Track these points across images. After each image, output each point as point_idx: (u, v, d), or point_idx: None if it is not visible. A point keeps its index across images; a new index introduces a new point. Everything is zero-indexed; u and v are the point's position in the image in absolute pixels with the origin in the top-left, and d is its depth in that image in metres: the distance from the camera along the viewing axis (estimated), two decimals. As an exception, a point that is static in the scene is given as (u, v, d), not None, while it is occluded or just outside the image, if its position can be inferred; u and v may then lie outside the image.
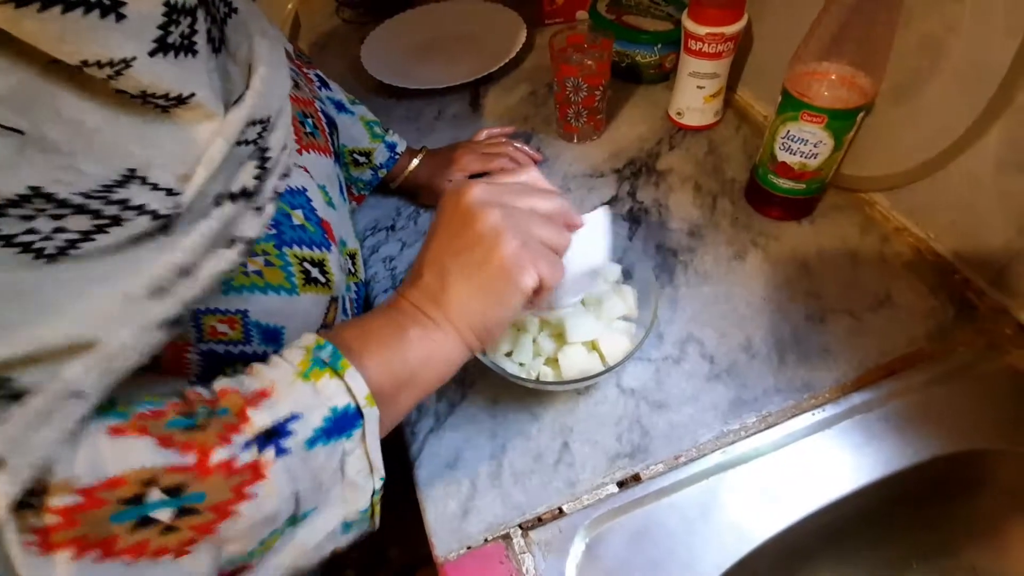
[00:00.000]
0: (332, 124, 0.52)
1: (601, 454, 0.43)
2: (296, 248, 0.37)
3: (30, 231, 0.22)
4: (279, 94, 0.34)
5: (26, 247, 0.22)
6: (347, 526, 0.29)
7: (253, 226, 0.31)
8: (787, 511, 0.39)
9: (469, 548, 0.39)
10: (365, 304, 0.54)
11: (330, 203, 0.44)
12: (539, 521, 0.40)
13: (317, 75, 0.56)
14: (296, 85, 0.44)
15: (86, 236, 0.24)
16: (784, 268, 0.52)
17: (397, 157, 0.61)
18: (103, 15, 0.22)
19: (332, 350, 0.28)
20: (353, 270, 0.50)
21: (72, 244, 0.23)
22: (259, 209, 0.32)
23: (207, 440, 0.24)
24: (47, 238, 0.22)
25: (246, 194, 0.31)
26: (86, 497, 0.21)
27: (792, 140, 0.49)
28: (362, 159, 0.60)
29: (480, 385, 0.47)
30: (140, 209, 0.25)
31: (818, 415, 0.43)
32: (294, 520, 0.27)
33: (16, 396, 0.21)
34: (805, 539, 0.40)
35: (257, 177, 0.31)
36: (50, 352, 0.22)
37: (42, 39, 0.21)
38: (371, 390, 0.28)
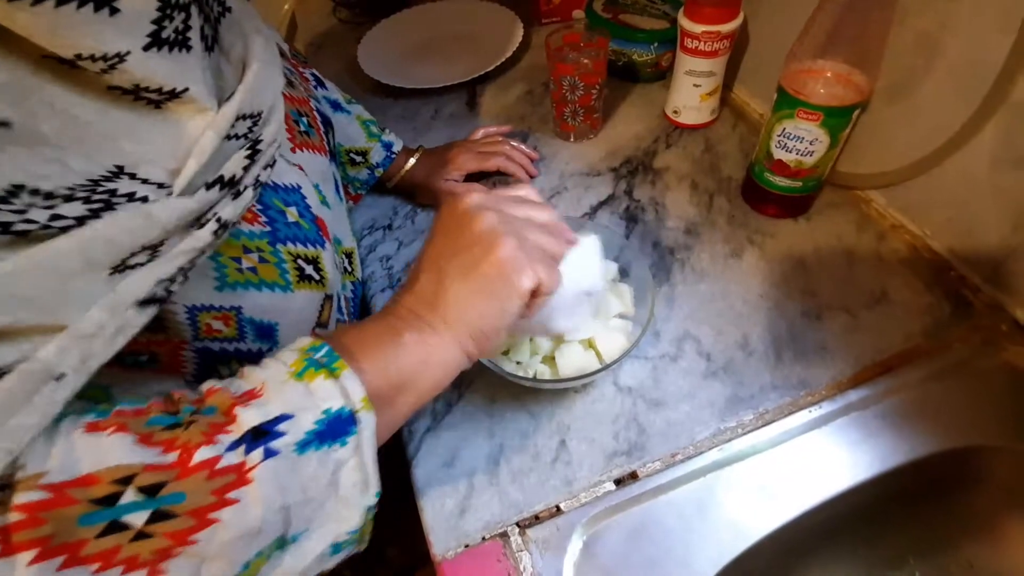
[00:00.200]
0: (327, 123, 0.52)
1: (598, 452, 0.43)
2: (290, 245, 0.37)
3: (27, 220, 0.22)
4: (272, 89, 0.34)
5: (22, 235, 0.22)
6: (336, 547, 0.28)
7: (230, 210, 0.30)
8: (784, 508, 0.39)
9: (467, 546, 0.39)
10: (362, 303, 0.54)
11: (324, 202, 0.44)
12: (537, 519, 0.40)
13: (313, 74, 0.56)
14: (291, 83, 0.44)
15: (81, 221, 0.23)
16: (780, 265, 0.52)
17: (394, 156, 0.61)
18: (96, 9, 0.22)
19: (328, 351, 0.27)
20: (350, 269, 0.50)
21: (67, 229, 0.23)
22: (238, 194, 0.31)
23: (190, 438, 0.23)
24: (45, 227, 0.22)
25: (232, 182, 0.30)
26: (55, 494, 0.20)
27: (788, 138, 0.49)
28: (359, 158, 0.59)
29: (477, 384, 0.47)
30: (130, 196, 0.25)
31: (815, 412, 0.43)
32: (282, 543, 0.25)
33: None
34: (802, 536, 0.40)
35: (245, 168, 0.31)
36: (21, 328, 0.21)
37: (36, 32, 0.21)
38: (368, 393, 0.27)
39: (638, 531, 0.39)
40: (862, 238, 0.53)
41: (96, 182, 0.24)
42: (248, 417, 0.24)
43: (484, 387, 0.47)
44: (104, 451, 0.21)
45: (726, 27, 0.57)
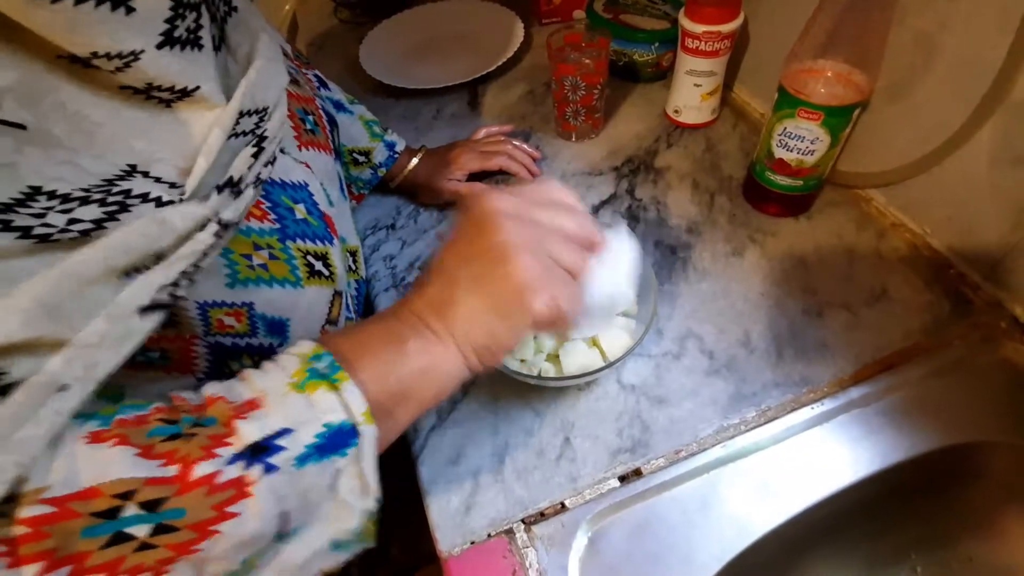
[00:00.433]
0: (332, 122, 0.52)
1: (602, 449, 0.43)
2: (299, 242, 0.38)
3: (45, 224, 0.22)
4: (276, 86, 0.34)
5: (43, 239, 0.22)
6: (337, 544, 0.27)
7: (231, 211, 0.30)
8: (786, 504, 0.40)
9: (472, 543, 0.39)
10: (366, 302, 0.55)
11: (329, 200, 0.44)
12: (542, 516, 0.40)
13: (316, 75, 0.56)
14: (296, 82, 0.45)
15: (99, 224, 0.23)
16: (781, 264, 0.53)
17: (396, 156, 0.61)
18: (113, 8, 0.23)
19: (330, 362, 0.26)
20: (354, 267, 0.50)
21: (87, 233, 0.23)
22: (239, 193, 0.31)
23: (190, 452, 0.23)
24: (64, 231, 0.23)
25: (238, 181, 0.30)
26: (58, 508, 0.20)
27: (789, 137, 0.49)
28: (361, 158, 0.60)
29: (482, 382, 0.47)
30: (144, 197, 0.25)
31: (817, 409, 0.43)
32: (280, 537, 0.25)
33: (4, 390, 0.20)
34: (804, 532, 0.41)
35: (250, 167, 0.31)
36: (32, 342, 0.21)
37: (53, 30, 0.21)
38: (369, 406, 0.26)
39: (642, 527, 0.40)
40: (862, 236, 0.53)
41: (111, 182, 0.24)
42: (248, 431, 0.24)
43: (488, 385, 0.47)
44: (105, 464, 0.21)
45: (727, 27, 0.57)
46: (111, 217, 0.24)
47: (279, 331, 0.37)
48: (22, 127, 0.22)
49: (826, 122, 0.47)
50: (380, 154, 0.60)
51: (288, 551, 0.26)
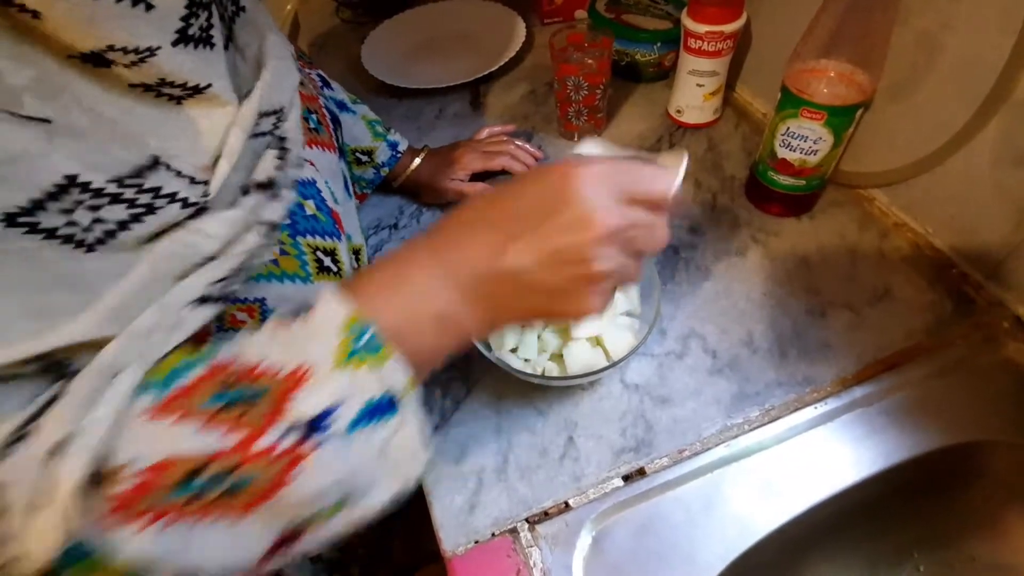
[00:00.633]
0: (336, 121, 0.52)
1: (606, 449, 0.43)
2: (309, 238, 0.38)
3: (70, 223, 0.23)
4: (289, 86, 0.35)
5: (67, 239, 0.23)
6: (388, 503, 0.28)
7: (274, 211, 0.32)
8: (789, 504, 0.40)
9: (476, 542, 0.39)
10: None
11: (335, 198, 0.44)
12: (545, 515, 0.40)
13: (319, 75, 0.56)
14: (300, 82, 0.45)
15: (123, 226, 0.24)
16: (784, 264, 0.53)
17: (399, 156, 0.61)
18: (134, 3, 0.23)
19: (371, 336, 0.25)
20: (357, 266, 0.50)
21: (111, 234, 0.24)
22: (277, 196, 0.33)
23: (250, 424, 0.24)
24: (87, 229, 0.23)
25: (270, 183, 0.32)
26: (137, 482, 0.22)
27: (792, 137, 0.50)
28: (364, 158, 0.60)
29: (485, 381, 0.47)
30: (172, 197, 0.26)
31: (820, 408, 0.43)
32: (340, 505, 0.26)
33: (67, 378, 0.22)
34: (807, 531, 0.41)
35: (278, 168, 0.32)
36: (99, 341, 0.23)
37: (72, 22, 0.22)
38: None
39: (646, 527, 0.40)
40: (865, 236, 0.54)
41: (140, 172, 0.25)
42: (299, 407, 0.24)
43: (492, 384, 0.47)
44: (172, 440, 0.23)
45: (729, 27, 0.57)
46: (136, 219, 0.24)
47: None
48: (47, 121, 0.22)
49: (829, 122, 0.47)
50: (383, 154, 0.60)
51: (346, 512, 0.27)
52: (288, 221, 0.36)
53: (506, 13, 0.84)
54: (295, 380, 0.24)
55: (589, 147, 0.35)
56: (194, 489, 0.23)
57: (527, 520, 0.40)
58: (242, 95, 0.31)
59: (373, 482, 0.27)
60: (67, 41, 0.22)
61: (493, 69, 0.76)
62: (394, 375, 0.26)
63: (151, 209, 0.25)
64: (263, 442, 0.23)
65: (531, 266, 0.26)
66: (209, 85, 0.28)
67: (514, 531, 0.40)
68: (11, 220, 0.21)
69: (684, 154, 0.32)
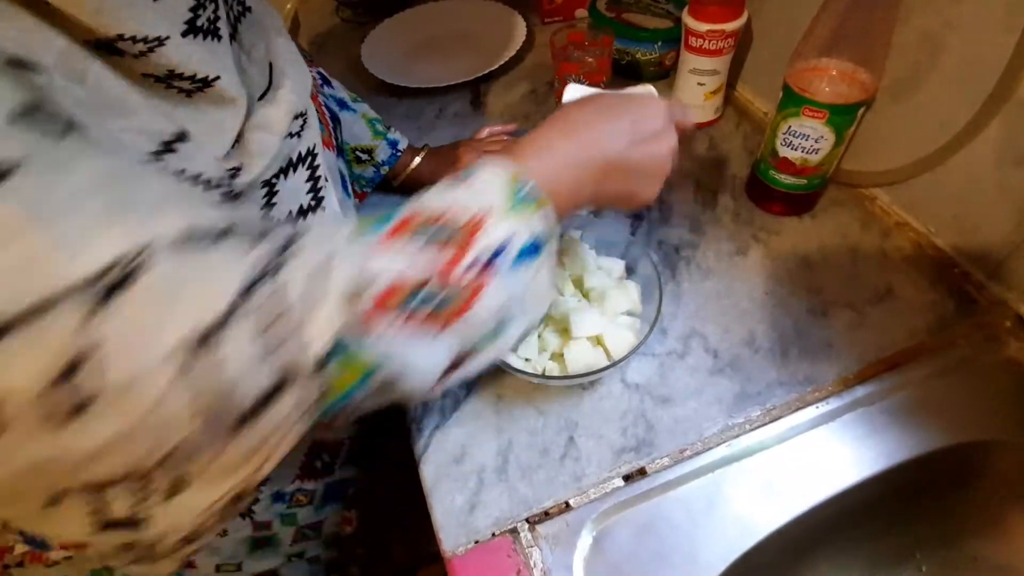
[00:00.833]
0: (335, 119, 0.52)
1: (607, 448, 0.43)
2: None
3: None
4: (306, 89, 0.35)
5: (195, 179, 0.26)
6: (526, 334, 0.34)
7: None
8: (791, 504, 0.40)
9: (476, 542, 0.39)
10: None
11: None
12: (546, 515, 0.40)
13: (319, 73, 0.56)
14: None
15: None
16: (786, 263, 0.52)
17: (399, 154, 0.61)
18: None
19: (531, 188, 0.32)
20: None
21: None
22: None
23: (448, 254, 0.28)
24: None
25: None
26: (381, 294, 0.26)
27: (793, 135, 0.49)
28: (364, 156, 0.60)
29: (485, 381, 0.47)
30: (196, 179, 0.27)
31: (821, 408, 0.43)
32: (495, 332, 0.31)
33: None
34: (809, 531, 0.41)
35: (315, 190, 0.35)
36: None
37: (82, 9, 0.22)
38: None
39: (647, 527, 0.40)
40: (866, 235, 0.53)
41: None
42: (483, 242, 0.29)
43: (492, 384, 0.47)
44: (399, 263, 0.27)
45: (730, 25, 0.57)
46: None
47: None
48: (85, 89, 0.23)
49: (831, 120, 0.47)
50: (383, 152, 0.60)
51: (505, 337, 0.32)
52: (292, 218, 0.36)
53: (506, 12, 0.84)
54: (477, 221, 0.29)
55: (575, 91, 0.45)
56: (415, 305, 0.27)
57: (527, 520, 0.40)
58: (252, 95, 0.31)
59: (515, 316, 0.32)
60: (85, 25, 0.23)
61: (494, 68, 0.76)
62: (545, 222, 0.32)
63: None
64: (460, 268, 0.28)
65: (636, 158, 0.36)
66: (217, 78, 0.28)
67: (514, 531, 0.40)
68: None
69: (650, 87, 0.44)
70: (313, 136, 0.38)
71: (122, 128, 0.24)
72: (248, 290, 0.23)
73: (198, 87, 0.27)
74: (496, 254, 0.29)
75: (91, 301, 0.20)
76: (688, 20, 0.59)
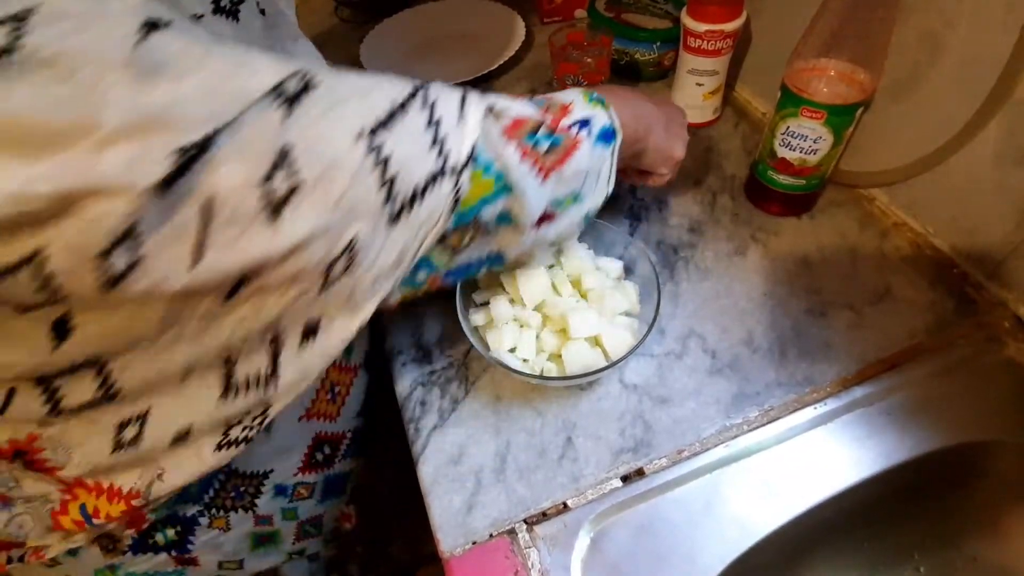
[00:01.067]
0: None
1: (605, 449, 0.43)
2: None
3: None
4: None
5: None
6: (586, 218, 0.39)
7: None
8: (789, 504, 0.40)
9: (474, 543, 0.39)
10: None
11: None
12: (544, 516, 0.40)
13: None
14: None
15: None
16: (784, 263, 0.52)
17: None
18: None
19: (599, 96, 0.38)
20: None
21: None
22: None
23: (554, 112, 0.35)
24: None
25: None
26: (510, 122, 0.32)
27: (792, 136, 0.49)
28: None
29: (483, 381, 0.47)
30: None
31: (820, 408, 0.43)
32: (576, 196, 0.36)
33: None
34: (807, 532, 0.41)
35: None
36: None
37: None
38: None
39: (645, 528, 0.40)
40: (865, 236, 0.53)
41: None
42: (574, 115, 0.36)
43: (490, 384, 0.47)
44: (521, 106, 0.33)
45: (729, 26, 0.57)
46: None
47: None
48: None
49: (829, 121, 0.47)
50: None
51: (574, 210, 0.37)
52: None
53: (506, 12, 0.84)
54: (568, 103, 0.36)
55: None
56: (533, 141, 0.32)
57: (525, 521, 0.40)
58: None
59: (587, 194, 0.37)
60: None
61: (493, 68, 0.76)
62: (614, 117, 0.38)
63: None
64: (565, 122, 0.35)
65: (663, 134, 0.45)
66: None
67: (512, 532, 0.40)
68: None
69: None
70: None
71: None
72: (405, 103, 0.28)
73: None
74: (584, 124, 0.35)
75: (281, 108, 0.23)
76: (687, 20, 0.59)
